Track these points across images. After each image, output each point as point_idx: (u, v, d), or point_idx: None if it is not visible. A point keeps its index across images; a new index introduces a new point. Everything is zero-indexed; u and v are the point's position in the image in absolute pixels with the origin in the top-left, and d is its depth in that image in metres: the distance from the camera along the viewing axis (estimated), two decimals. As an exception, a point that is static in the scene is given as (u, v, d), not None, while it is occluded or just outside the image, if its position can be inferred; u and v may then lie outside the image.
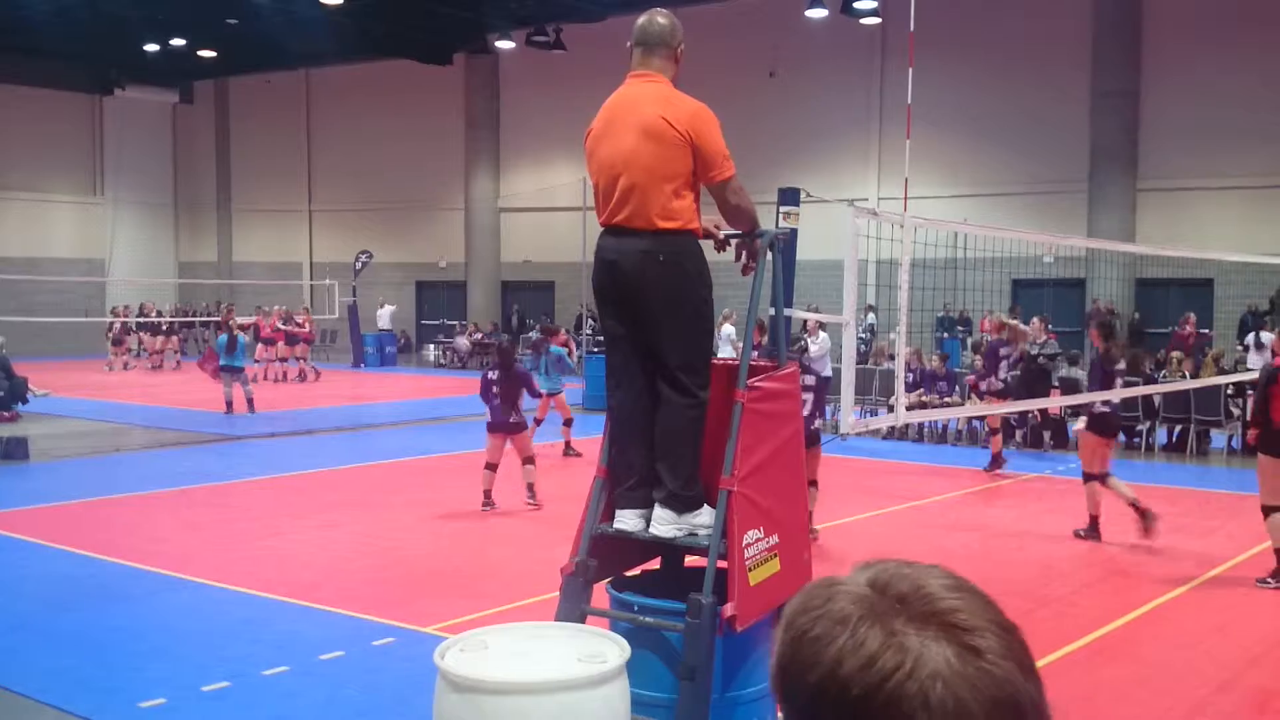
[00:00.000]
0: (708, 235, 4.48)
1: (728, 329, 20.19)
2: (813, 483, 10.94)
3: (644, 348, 4.38)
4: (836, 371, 12.72)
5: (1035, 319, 16.27)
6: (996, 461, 13.99)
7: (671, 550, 4.58)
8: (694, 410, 4.32)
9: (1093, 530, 10.35)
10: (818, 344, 14.12)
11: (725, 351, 17.89)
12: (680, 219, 4.25)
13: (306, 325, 28.00)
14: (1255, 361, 19.32)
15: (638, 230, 4.28)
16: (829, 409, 15.48)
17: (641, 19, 4.49)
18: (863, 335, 25.03)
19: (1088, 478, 10.39)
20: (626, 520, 4.42)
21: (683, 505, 4.31)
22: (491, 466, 11.52)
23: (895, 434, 16.76)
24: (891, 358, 16.20)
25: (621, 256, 4.32)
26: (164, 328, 31.63)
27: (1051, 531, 10.70)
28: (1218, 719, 6.02)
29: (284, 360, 27.01)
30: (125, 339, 30.89)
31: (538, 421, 14.45)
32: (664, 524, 4.33)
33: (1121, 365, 10.96)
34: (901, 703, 0.89)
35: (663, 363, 4.34)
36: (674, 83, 4.45)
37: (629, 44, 4.50)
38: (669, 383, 4.33)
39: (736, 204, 4.39)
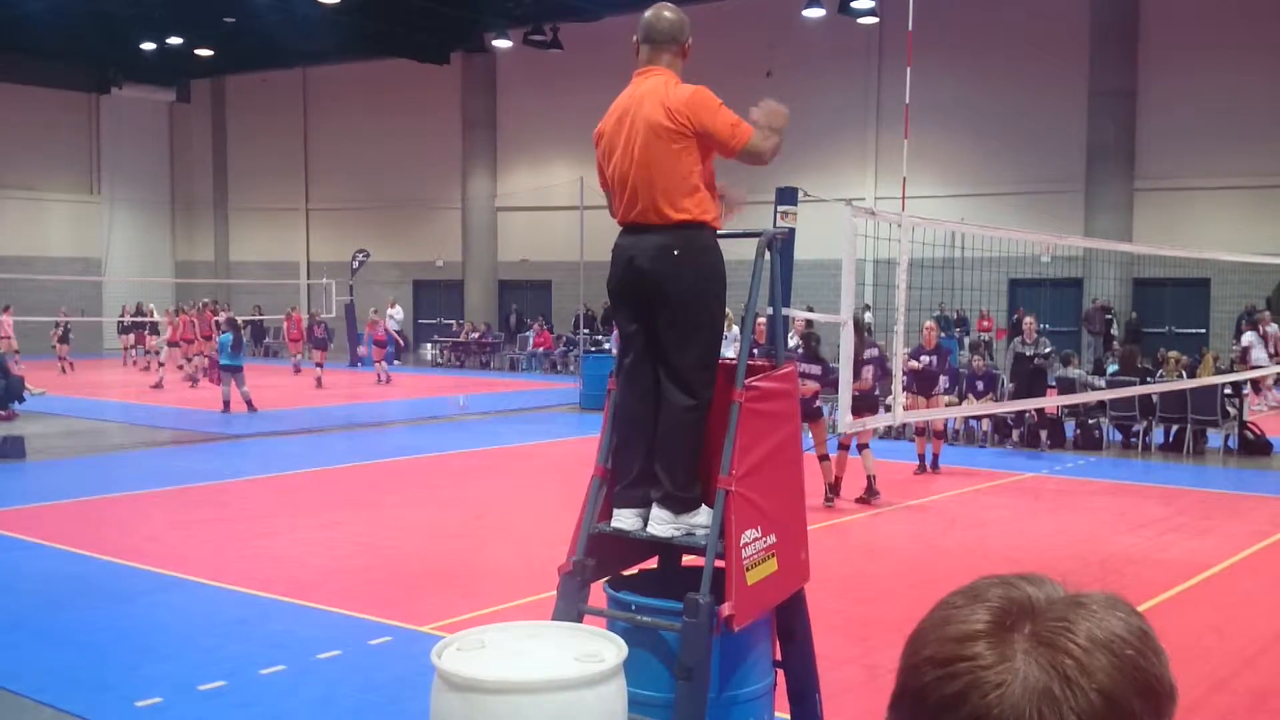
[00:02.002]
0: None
1: (736, 330, 20.17)
2: (824, 458, 11.73)
3: (653, 345, 4.38)
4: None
5: (1029, 319, 16.17)
6: (934, 463, 14.01)
7: (669, 549, 4.57)
8: (695, 410, 4.31)
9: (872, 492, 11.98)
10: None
11: (729, 352, 17.90)
12: (694, 211, 4.25)
13: (374, 328, 27.40)
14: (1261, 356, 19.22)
15: (653, 225, 4.28)
16: (827, 407, 15.50)
17: (648, 14, 4.45)
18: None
19: (860, 447, 12.08)
20: (624, 519, 4.41)
21: (680, 505, 4.30)
22: None
23: (892, 434, 16.76)
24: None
25: (639, 252, 4.32)
26: (145, 327, 31.35)
27: (1048, 531, 10.71)
28: (1213, 719, 6.03)
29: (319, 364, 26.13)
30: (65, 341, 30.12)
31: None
32: (661, 524, 4.32)
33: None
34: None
35: (670, 360, 4.33)
36: (680, 77, 4.43)
37: (635, 39, 4.48)
38: (674, 381, 4.32)
39: (764, 150, 4.32)
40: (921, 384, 14.29)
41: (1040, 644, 0.90)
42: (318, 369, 25.91)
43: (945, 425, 14.84)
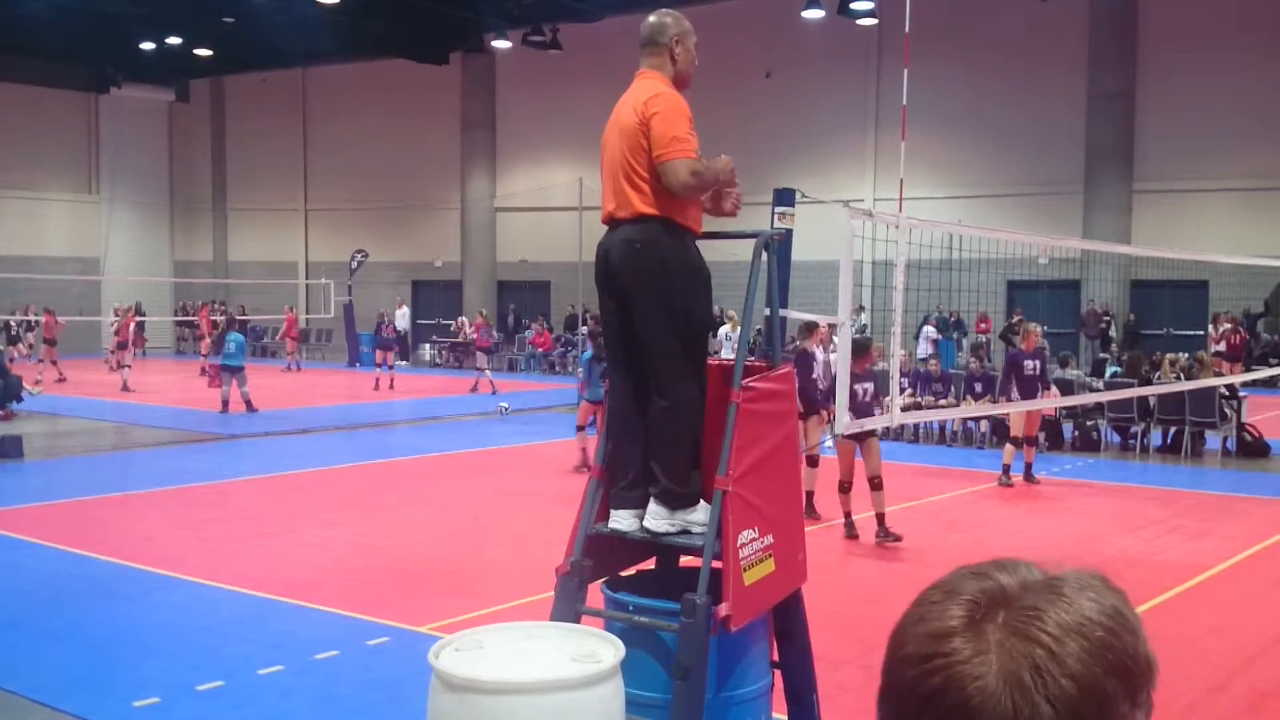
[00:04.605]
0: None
1: (725, 329, 20.21)
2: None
3: (634, 342, 4.39)
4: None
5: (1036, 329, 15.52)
6: (1029, 472, 13.35)
7: (667, 551, 4.58)
8: (676, 408, 4.30)
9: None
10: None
11: (729, 352, 17.85)
12: (657, 206, 4.25)
13: (477, 330, 25.88)
14: None
15: (623, 221, 4.33)
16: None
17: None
18: (856, 336, 25.06)
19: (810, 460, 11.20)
20: (621, 520, 4.41)
21: (676, 501, 4.30)
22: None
23: (890, 435, 16.75)
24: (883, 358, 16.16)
25: (611, 247, 4.37)
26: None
27: (1046, 532, 10.72)
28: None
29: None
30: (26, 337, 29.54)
31: (580, 428, 13.74)
32: (657, 519, 4.33)
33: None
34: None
35: (646, 357, 4.34)
36: (677, 78, 4.42)
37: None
38: (653, 378, 4.33)
39: (670, 183, 4.15)
40: (1024, 388, 13.40)
41: (1013, 634, 0.93)
42: (389, 371, 24.77)
43: (1037, 433, 14.07)
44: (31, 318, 29.17)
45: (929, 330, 25.51)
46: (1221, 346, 23.37)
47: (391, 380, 24.59)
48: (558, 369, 30.54)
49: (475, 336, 26.00)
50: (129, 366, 24.89)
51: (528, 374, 30.42)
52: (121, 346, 25.39)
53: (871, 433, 10.41)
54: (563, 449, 15.62)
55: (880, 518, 10.21)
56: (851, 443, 10.26)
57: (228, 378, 19.53)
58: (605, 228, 4.49)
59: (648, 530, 4.36)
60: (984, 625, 0.94)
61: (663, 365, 4.30)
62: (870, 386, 10.63)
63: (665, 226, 4.29)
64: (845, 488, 10.55)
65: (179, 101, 40.40)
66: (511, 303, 35.04)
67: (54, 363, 25.66)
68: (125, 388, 23.88)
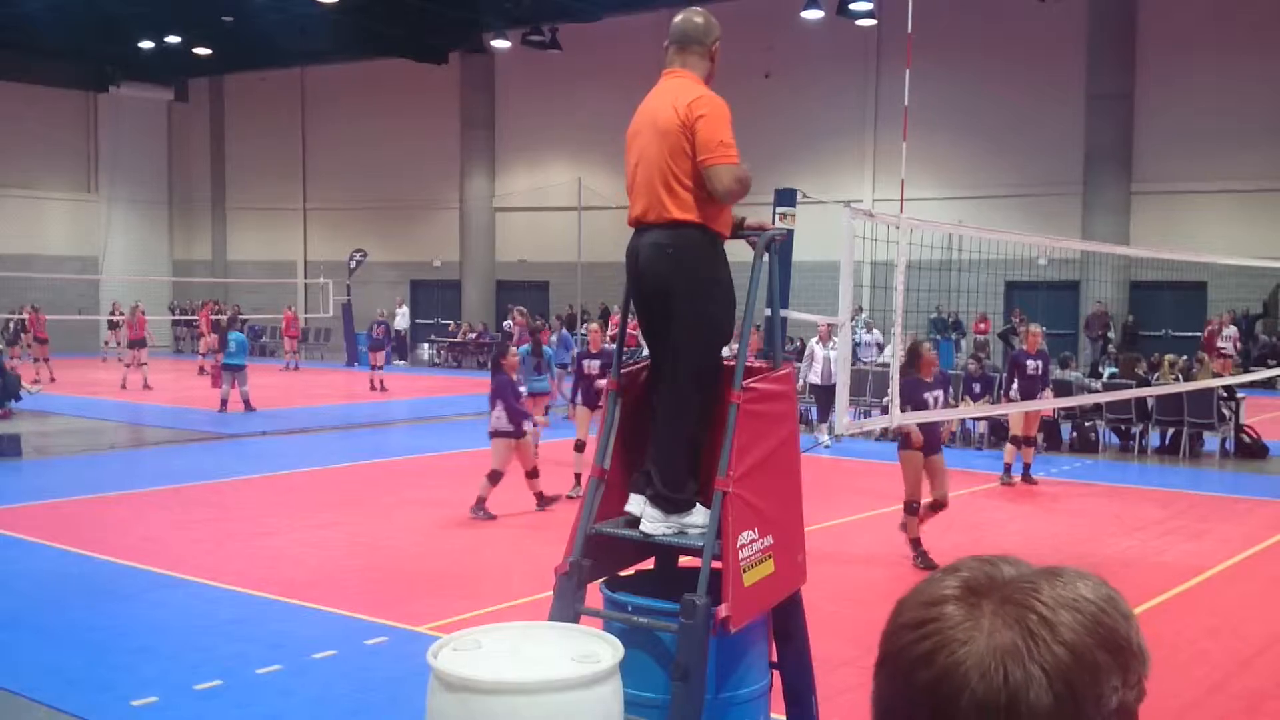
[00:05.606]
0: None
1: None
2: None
3: (657, 344, 4.42)
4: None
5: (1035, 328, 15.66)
6: (1026, 473, 13.35)
7: (666, 551, 4.58)
8: (685, 412, 4.31)
9: None
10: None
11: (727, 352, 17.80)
12: (691, 212, 4.24)
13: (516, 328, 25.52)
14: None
15: (652, 224, 4.32)
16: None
17: (677, 17, 4.50)
18: (856, 337, 24.98)
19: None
20: (635, 504, 4.43)
21: (670, 506, 4.31)
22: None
23: (889, 435, 16.74)
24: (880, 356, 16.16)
25: (640, 250, 4.37)
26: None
27: (1044, 533, 10.72)
28: (1210, 721, 6.04)
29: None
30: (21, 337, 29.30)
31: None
32: (652, 521, 4.34)
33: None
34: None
35: (666, 360, 4.35)
36: (708, 80, 4.44)
37: (665, 43, 4.52)
38: (668, 381, 4.34)
39: (715, 188, 4.19)
40: (1026, 388, 13.33)
41: (1007, 603, 0.95)
42: (378, 371, 24.51)
43: (1037, 434, 13.98)
44: (24, 316, 29.01)
45: (868, 336, 23.87)
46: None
47: (381, 380, 24.32)
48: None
49: (514, 336, 25.49)
50: (145, 364, 24.73)
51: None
52: (134, 345, 25.21)
53: (938, 450, 9.39)
54: (561, 448, 15.60)
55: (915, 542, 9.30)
56: (918, 455, 9.15)
57: (229, 377, 19.52)
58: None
59: (644, 533, 4.36)
60: (980, 597, 0.96)
61: (678, 369, 4.31)
62: (940, 395, 9.49)
63: (697, 232, 4.29)
64: (913, 508, 9.21)
65: (178, 101, 40.38)
66: (510, 303, 35.02)
67: (44, 360, 25.48)
68: (146, 385, 23.67)
